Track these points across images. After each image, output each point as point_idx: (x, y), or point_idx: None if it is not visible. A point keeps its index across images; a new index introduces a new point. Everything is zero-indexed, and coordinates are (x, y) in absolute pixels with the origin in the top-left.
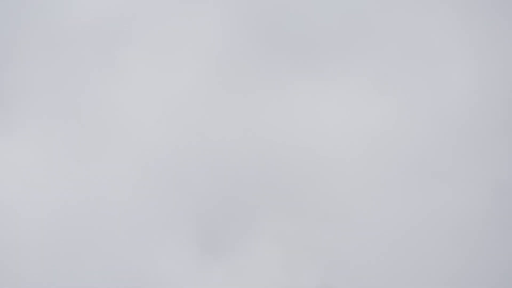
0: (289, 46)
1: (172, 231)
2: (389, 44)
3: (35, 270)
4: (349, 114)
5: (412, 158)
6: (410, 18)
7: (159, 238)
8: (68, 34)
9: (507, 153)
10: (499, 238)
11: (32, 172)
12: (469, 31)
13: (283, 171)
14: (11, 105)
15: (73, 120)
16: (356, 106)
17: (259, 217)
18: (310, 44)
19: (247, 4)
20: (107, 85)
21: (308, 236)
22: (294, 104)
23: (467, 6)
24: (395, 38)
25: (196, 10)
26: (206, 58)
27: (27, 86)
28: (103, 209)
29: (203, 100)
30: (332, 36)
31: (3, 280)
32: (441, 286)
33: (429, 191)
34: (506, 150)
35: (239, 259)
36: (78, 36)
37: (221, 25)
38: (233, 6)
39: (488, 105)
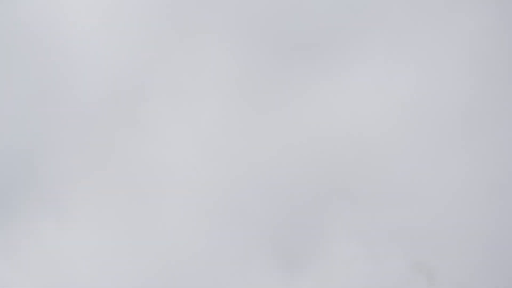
0: (302, 48)
1: (251, 259)
2: (396, 23)
3: None
4: (380, 92)
5: (444, 117)
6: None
7: (241, 270)
8: (90, 108)
9: None
10: None
11: (99, 249)
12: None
13: (338, 166)
14: (59, 192)
15: (120, 188)
16: (381, 84)
17: (331, 218)
18: (322, 41)
19: (248, 21)
20: (142, 145)
21: (385, 221)
22: (327, 101)
23: None
24: (401, 16)
25: (202, 42)
26: (227, 86)
27: (68, 171)
28: (180, 265)
29: (238, 128)
30: (342, 27)
31: None
32: None
33: (471, 145)
34: None
35: (324, 264)
36: (100, 107)
37: (230, 51)
38: (235, 27)
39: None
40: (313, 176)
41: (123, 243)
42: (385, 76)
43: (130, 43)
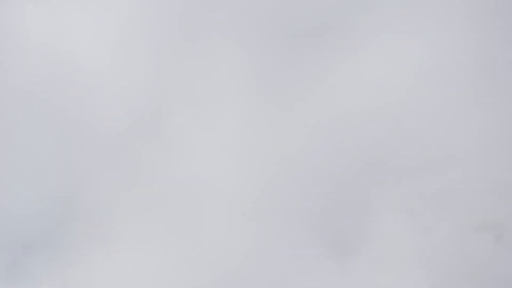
0: (312, 35)
1: (301, 251)
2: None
3: None
4: (394, 62)
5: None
6: None
7: (293, 263)
8: (116, 136)
9: None
10: None
11: (149, 270)
12: None
13: (370, 141)
14: (101, 222)
15: (160, 207)
16: (394, 54)
17: (374, 195)
18: (330, 24)
19: (255, 17)
20: (173, 161)
21: (429, 188)
22: (346, 80)
23: None
24: None
25: (212, 48)
26: (245, 86)
27: (105, 200)
28: (233, 271)
29: (264, 124)
30: (347, 7)
31: None
32: None
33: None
34: None
35: (375, 243)
36: (126, 133)
37: (242, 50)
38: (242, 26)
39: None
40: (348, 156)
41: (171, 260)
42: (397, 47)
43: (143, 63)
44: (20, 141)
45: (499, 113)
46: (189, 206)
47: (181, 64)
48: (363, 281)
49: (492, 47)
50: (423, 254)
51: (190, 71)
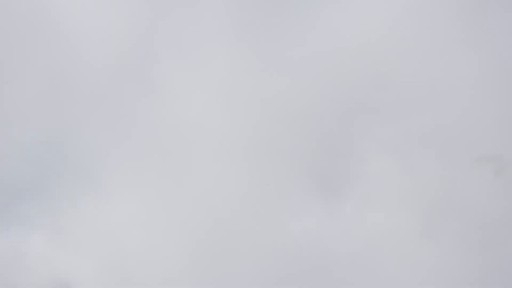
0: None
1: (292, 190)
2: None
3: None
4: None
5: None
6: None
7: (284, 203)
8: (106, 84)
9: None
10: None
11: (139, 213)
12: None
13: (355, 82)
14: (91, 168)
15: (148, 151)
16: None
17: (360, 135)
18: None
19: None
20: (160, 106)
21: (413, 127)
22: (330, 20)
23: None
24: None
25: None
26: (229, 31)
27: (94, 146)
28: (225, 209)
29: (248, 67)
30: None
31: None
32: None
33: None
34: None
35: (361, 181)
36: (114, 80)
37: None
38: None
39: None
40: (333, 97)
41: (162, 204)
42: None
43: (129, 9)
44: (10, 88)
45: (486, 46)
46: (179, 150)
47: (166, 9)
48: (351, 220)
49: None
50: (412, 193)
51: (175, 16)
